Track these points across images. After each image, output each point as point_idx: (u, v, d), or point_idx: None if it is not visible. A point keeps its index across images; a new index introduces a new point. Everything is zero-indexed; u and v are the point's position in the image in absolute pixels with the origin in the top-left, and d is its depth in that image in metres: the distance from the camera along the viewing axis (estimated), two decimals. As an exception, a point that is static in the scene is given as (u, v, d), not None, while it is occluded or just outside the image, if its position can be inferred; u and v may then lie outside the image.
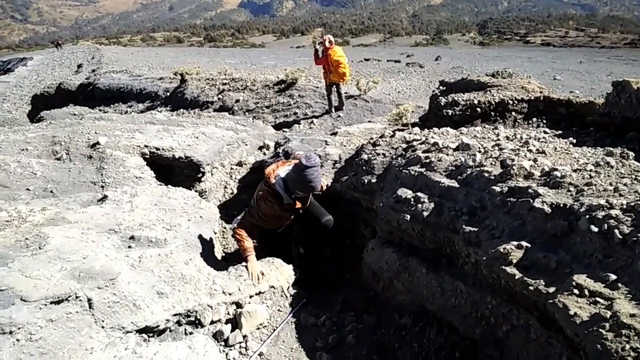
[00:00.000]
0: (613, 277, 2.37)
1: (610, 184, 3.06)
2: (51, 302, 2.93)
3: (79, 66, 35.57)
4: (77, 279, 3.18)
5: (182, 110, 13.56)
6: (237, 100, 13.19)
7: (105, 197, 5.00)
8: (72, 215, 4.32)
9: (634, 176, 3.18)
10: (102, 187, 6.05)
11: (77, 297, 3.05)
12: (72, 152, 6.78)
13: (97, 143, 6.97)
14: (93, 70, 26.35)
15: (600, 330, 2.16)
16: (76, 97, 17.98)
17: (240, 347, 3.74)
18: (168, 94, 15.80)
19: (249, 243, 4.41)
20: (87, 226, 4.07)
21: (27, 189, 5.76)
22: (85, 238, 3.78)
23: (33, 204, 4.80)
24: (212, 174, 7.81)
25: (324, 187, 5.14)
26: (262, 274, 4.30)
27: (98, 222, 4.22)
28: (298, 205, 4.59)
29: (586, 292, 2.38)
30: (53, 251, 3.43)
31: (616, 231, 2.52)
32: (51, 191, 5.85)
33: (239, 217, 4.74)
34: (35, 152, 6.72)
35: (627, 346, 2.04)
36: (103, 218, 4.34)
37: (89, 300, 3.09)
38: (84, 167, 6.53)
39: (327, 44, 10.70)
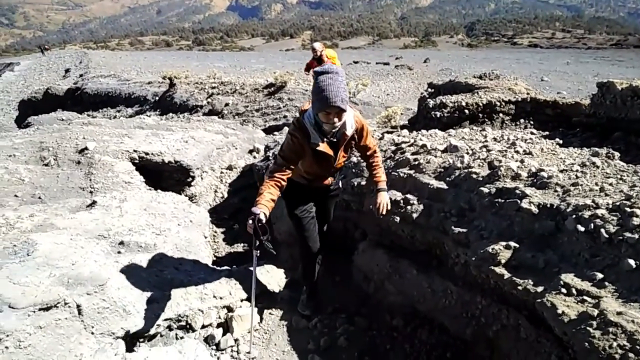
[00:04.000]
0: (600, 275, 2.40)
1: (596, 184, 3.10)
2: (40, 309, 2.91)
3: (67, 71, 35.44)
4: (66, 285, 3.16)
5: (171, 114, 13.54)
6: (227, 104, 13.18)
7: (94, 202, 4.97)
8: (60, 221, 4.30)
9: (619, 176, 3.23)
10: (91, 192, 6.00)
11: (66, 304, 3.03)
12: (60, 158, 6.73)
13: (86, 148, 6.93)
14: (81, 75, 26.29)
15: (588, 328, 2.18)
16: (64, 102, 17.91)
17: (232, 350, 3.73)
18: (157, 98, 15.76)
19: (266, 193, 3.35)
20: (76, 232, 4.05)
21: (15, 196, 5.70)
22: (74, 244, 3.76)
23: (21, 210, 4.77)
24: (202, 178, 7.80)
25: (365, 127, 3.69)
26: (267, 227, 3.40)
27: (87, 228, 4.20)
28: (329, 151, 3.51)
29: (574, 291, 2.40)
30: (41, 257, 3.41)
31: (602, 230, 2.55)
32: (39, 197, 5.80)
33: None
34: (22, 158, 6.66)
35: (615, 344, 2.06)
36: (92, 224, 4.32)
37: (78, 306, 3.07)
38: (72, 172, 6.48)
39: (323, 54, 9.96)
